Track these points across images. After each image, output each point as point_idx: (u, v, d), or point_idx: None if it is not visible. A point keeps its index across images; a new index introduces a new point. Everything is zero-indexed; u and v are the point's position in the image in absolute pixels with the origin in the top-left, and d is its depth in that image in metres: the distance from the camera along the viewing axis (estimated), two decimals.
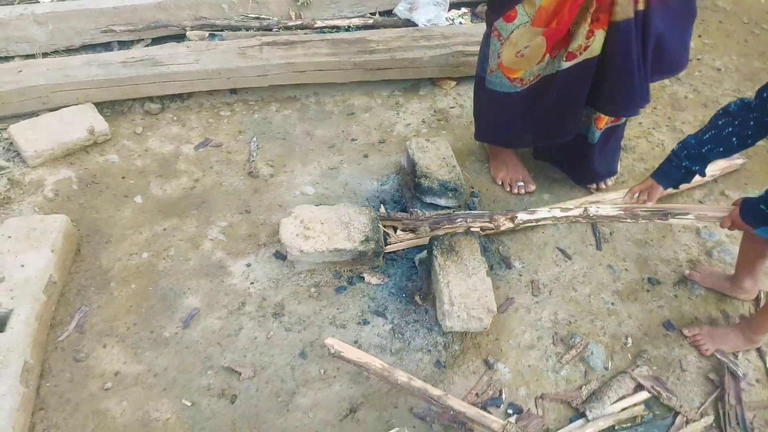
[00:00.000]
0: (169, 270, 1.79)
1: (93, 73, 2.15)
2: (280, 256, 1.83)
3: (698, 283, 1.80)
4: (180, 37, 2.55)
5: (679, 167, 1.55)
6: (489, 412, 1.50)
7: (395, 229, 1.85)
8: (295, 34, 2.51)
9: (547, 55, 1.65)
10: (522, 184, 2.04)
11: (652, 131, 2.34)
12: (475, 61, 2.23)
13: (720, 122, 1.45)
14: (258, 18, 2.59)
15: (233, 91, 2.38)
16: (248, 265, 1.81)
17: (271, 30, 2.58)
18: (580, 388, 1.58)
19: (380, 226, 1.76)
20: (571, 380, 1.60)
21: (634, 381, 1.57)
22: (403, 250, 1.83)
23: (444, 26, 2.55)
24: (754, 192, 2.07)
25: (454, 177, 1.83)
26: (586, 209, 1.74)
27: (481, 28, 2.44)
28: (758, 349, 1.65)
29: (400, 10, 2.68)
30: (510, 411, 1.53)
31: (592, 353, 1.64)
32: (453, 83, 2.47)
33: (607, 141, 1.92)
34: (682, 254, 1.91)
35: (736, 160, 2.17)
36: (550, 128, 1.84)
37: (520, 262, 1.84)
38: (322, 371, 1.58)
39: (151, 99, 2.29)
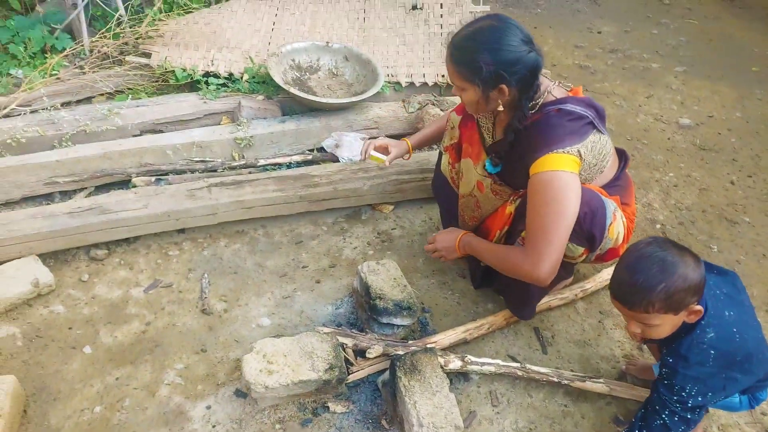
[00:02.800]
0: (125, 423, 1.71)
1: (38, 225, 2.16)
2: (241, 394, 1.80)
3: (635, 376, 1.93)
4: (124, 183, 2.62)
5: None
6: None
7: (356, 355, 1.89)
8: (240, 174, 2.65)
9: None
10: None
11: None
12: (409, 187, 2.50)
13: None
14: (203, 161, 2.73)
15: (181, 231, 2.44)
16: (208, 408, 1.77)
17: (215, 171, 2.72)
18: None
19: (342, 353, 1.80)
20: None
21: None
22: (366, 375, 1.87)
23: None
24: None
25: (407, 296, 1.94)
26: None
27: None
28: None
29: (328, 145, 2.91)
30: None
31: None
32: (391, 207, 2.66)
33: None
34: (617, 350, 2.06)
35: None
36: None
37: (476, 374, 1.92)
38: None
39: (96, 245, 2.30)
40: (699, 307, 1.40)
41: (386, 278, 2.01)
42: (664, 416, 1.47)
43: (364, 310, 2.00)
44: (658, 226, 2.61)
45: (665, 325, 1.42)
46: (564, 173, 1.59)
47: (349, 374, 1.81)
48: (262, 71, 3.18)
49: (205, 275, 2.24)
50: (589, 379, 1.86)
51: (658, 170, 2.98)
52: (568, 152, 1.60)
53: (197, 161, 2.72)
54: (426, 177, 2.61)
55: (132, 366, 1.88)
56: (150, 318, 2.06)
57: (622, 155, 1.94)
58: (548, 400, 1.87)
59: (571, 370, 1.94)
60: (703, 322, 1.43)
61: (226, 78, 3.13)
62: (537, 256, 1.61)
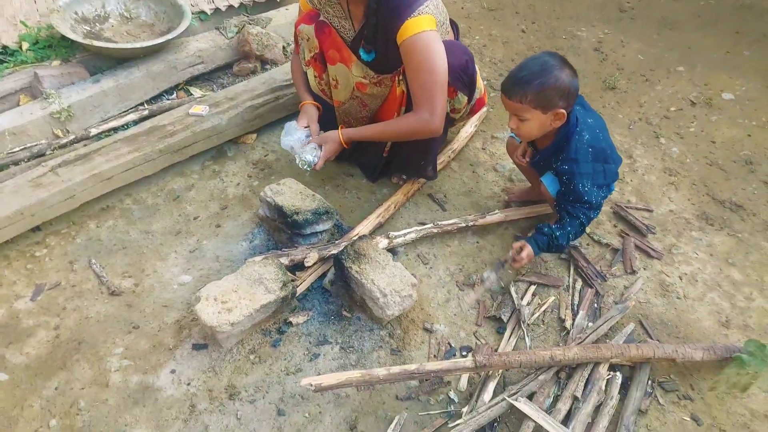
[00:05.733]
0: (92, 421, 1.59)
1: None
2: (200, 346, 1.77)
3: (516, 201, 2.32)
4: None
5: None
6: None
7: (293, 272, 1.95)
8: (76, 149, 2.36)
9: None
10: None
11: None
12: (265, 110, 2.53)
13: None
14: (25, 148, 2.36)
15: (37, 229, 2.14)
16: (173, 372, 1.72)
17: (44, 155, 2.37)
18: (492, 306, 1.94)
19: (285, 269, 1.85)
20: (486, 307, 1.94)
21: (525, 282, 2.00)
22: (311, 284, 1.95)
23: (223, 90, 2.68)
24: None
25: (320, 203, 2.02)
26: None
27: (254, 81, 2.68)
28: None
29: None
30: (464, 353, 1.80)
31: (486, 279, 2.02)
32: (254, 136, 2.63)
33: None
34: (495, 188, 2.43)
35: (482, 110, 2.80)
36: None
37: (402, 246, 2.12)
38: (306, 415, 1.62)
39: None
40: (562, 111, 1.70)
41: (292, 194, 2.05)
42: (576, 221, 1.83)
43: (282, 231, 2.04)
44: (485, 82, 2.99)
45: (534, 120, 1.72)
46: (425, 33, 1.76)
47: (296, 288, 1.87)
48: (43, 34, 2.76)
49: (93, 260, 2.04)
50: (487, 214, 2.19)
51: (466, 36, 3.36)
52: (422, 12, 1.77)
53: (19, 150, 2.34)
54: (279, 96, 2.61)
55: (65, 370, 1.71)
56: (56, 321, 1.85)
57: (453, 24, 2.18)
58: (463, 243, 2.16)
59: (470, 214, 2.25)
60: (578, 128, 1.77)
61: (0, 53, 2.66)
62: (429, 109, 1.82)
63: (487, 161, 2.56)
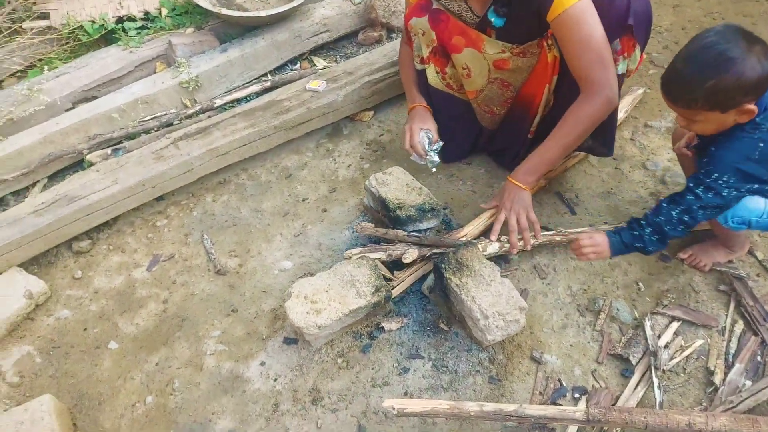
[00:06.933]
0: (183, 403, 1.63)
1: (5, 235, 1.92)
2: (291, 341, 1.73)
3: (703, 268, 1.77)
4: (78, 164, 2.35)
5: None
6: (559, 404, 1.51)
7: (391, 270, 1.82)
8: (200, 120, 2.41)
9: None
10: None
11: None
12: (384, 86, 2.33)
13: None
14: (155, 117, 2.46)
15: (160, 198, 2.24)
16: (263, 364, 1.70)
17: (171, 125, 2.46)
18: (619, 341, 1.64)
19: (381, 271, 1.72)
20: (612, 341, 1.65)
21: (666, 316, 1.66)
22: (409, 286, 1.80)
23: (342, 63, 2.57)
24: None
25: (426, 198, 1.84)
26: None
27: (375, 54, 2.51)
28: (749, 251, 1.80)
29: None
30: (576, 395, 1.56)
31: (618, 310, 1.71)
32: (371, 113, 2.49)
33: None
34: (642, 191, 2.05)
35: (638, 91, 2.37)
36: None
37: (516, 255, 1.88)
38: None
39: (76, 238, 2.09)
40: (751, 107, 1.30)
41: (398, 186, 1.89)
42: (689, 198, 1.42)
43: (385, 225, 1.90)
44: (645, 56, 2.52)
45: (709, 122, 1.35)
46: (579, 3, 1.54)
47: (392, 290, 1.74)
48: (180, 0, 2.82)
49: (205, 236, 2.08)
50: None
51: None
52: None
53: (149, 119, 2.45)
54: (398, 70, 2.42)
55: (166, 347, 1.77)
56: (165, 295, 1.92)
57: None
58: None
59: (605, 222, 1.92)
60: (758, 119, 1.36)
61: (143, 19, 2.78)
62: (603, 86, 1.59)
63: (636, 156, 2.16)
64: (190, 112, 2.49)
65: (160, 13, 2.78)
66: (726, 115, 1.33)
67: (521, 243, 1.74)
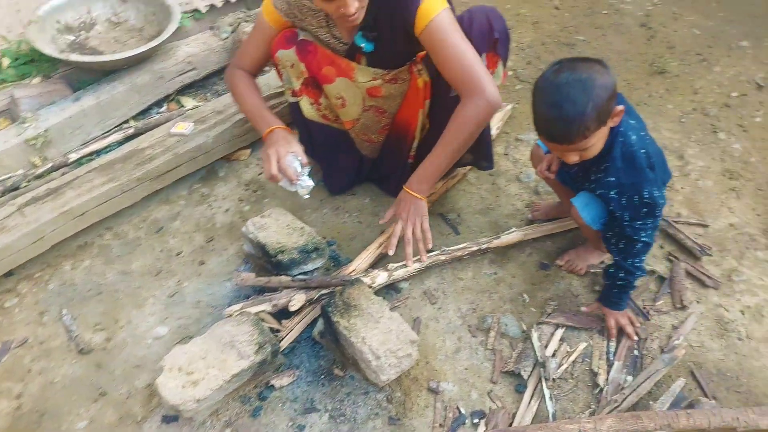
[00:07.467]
0: None
1: None
2: (171, 418, 1.53)
3: (542, 219, 1.96)
4: None
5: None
6: None
7: (278, 319, 1.68)
8: (53, 179, 2.15)
9: None
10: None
11: None
12: None
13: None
14: None
15: (9, 274, 1.95)
16: None
17: (19, 188, 2.18)
18: (510, 356, 1.62)
19: (264, 325, 1.58)
20: (504, 358, 1.63)
21: (551, 325, 1.67)
22: (299, 334, 1.68)
23: (212, 102, 2.42)
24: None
25: (309, 237, 1.74)
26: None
27: None
28: None
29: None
30: (475, 420, 1.50)
31: (506, 325, 1.70)
32: (248, 151, 2.36)
33: None
34: (518, 203, 2.08)
35: (507, 107, 2.43)
36: None
37: (404, 280, 1.82)
38: None
39: None
40: (620, 107, 1.34)
41: (278, 228, 1.77)
42: (642, 238, 1.48)
43: (268, 271, 1.77)
44: (510, 72, 2.61)
45: (599, 140, 1.36)
46: (442, 12, 1.54)
47: (280, 342, 1.61)
48: (24, 48, 2.55)
49: (64, 311, 1.83)
50: (502, 234, 1.87)
51: None
52: None
53: None
54: (273, 105, 2.31)
55: None
56: (19, 388, 1.65)
57: None
58: (477, 275, 1.84)
59: (486, 236, 1.91)
60: (621, 129, 1.40)
61: None
62: (483, 86, 1.55)
63: (510, 170, 2.20)
64: (40, 171, 2.22)
65: (0, 65, 2.50)
66: (606, 126, 1.36)
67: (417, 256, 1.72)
